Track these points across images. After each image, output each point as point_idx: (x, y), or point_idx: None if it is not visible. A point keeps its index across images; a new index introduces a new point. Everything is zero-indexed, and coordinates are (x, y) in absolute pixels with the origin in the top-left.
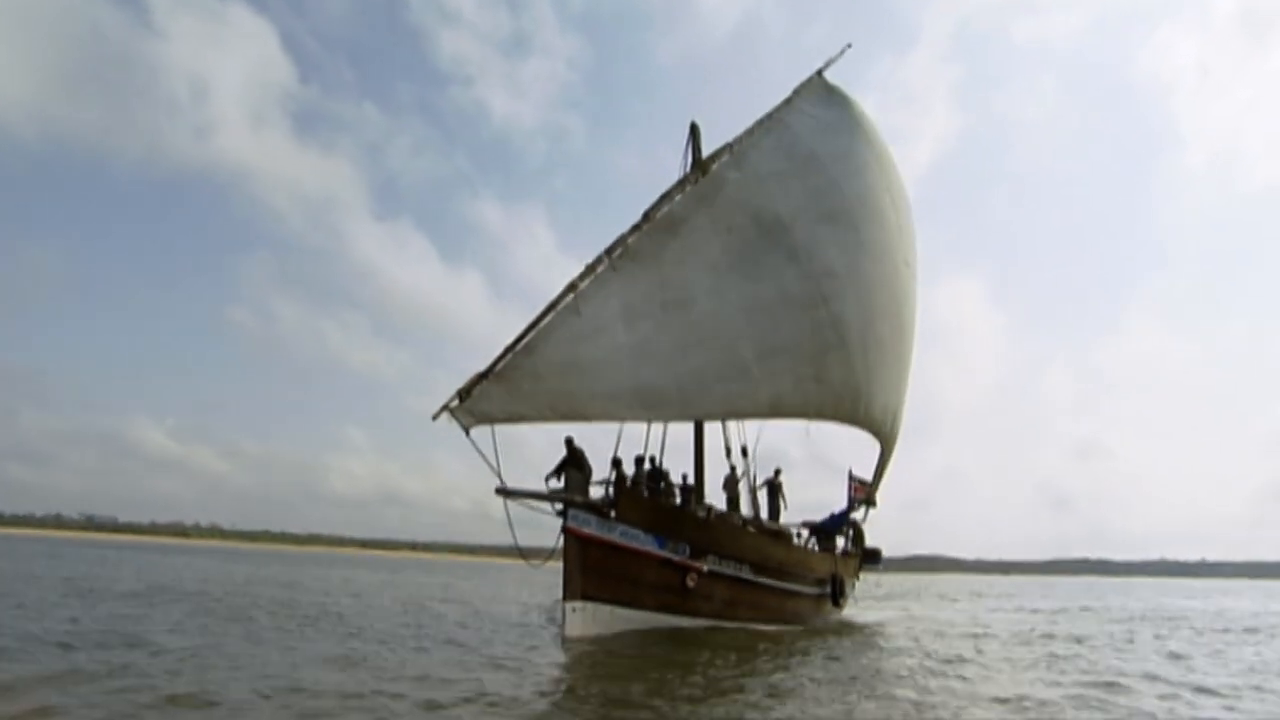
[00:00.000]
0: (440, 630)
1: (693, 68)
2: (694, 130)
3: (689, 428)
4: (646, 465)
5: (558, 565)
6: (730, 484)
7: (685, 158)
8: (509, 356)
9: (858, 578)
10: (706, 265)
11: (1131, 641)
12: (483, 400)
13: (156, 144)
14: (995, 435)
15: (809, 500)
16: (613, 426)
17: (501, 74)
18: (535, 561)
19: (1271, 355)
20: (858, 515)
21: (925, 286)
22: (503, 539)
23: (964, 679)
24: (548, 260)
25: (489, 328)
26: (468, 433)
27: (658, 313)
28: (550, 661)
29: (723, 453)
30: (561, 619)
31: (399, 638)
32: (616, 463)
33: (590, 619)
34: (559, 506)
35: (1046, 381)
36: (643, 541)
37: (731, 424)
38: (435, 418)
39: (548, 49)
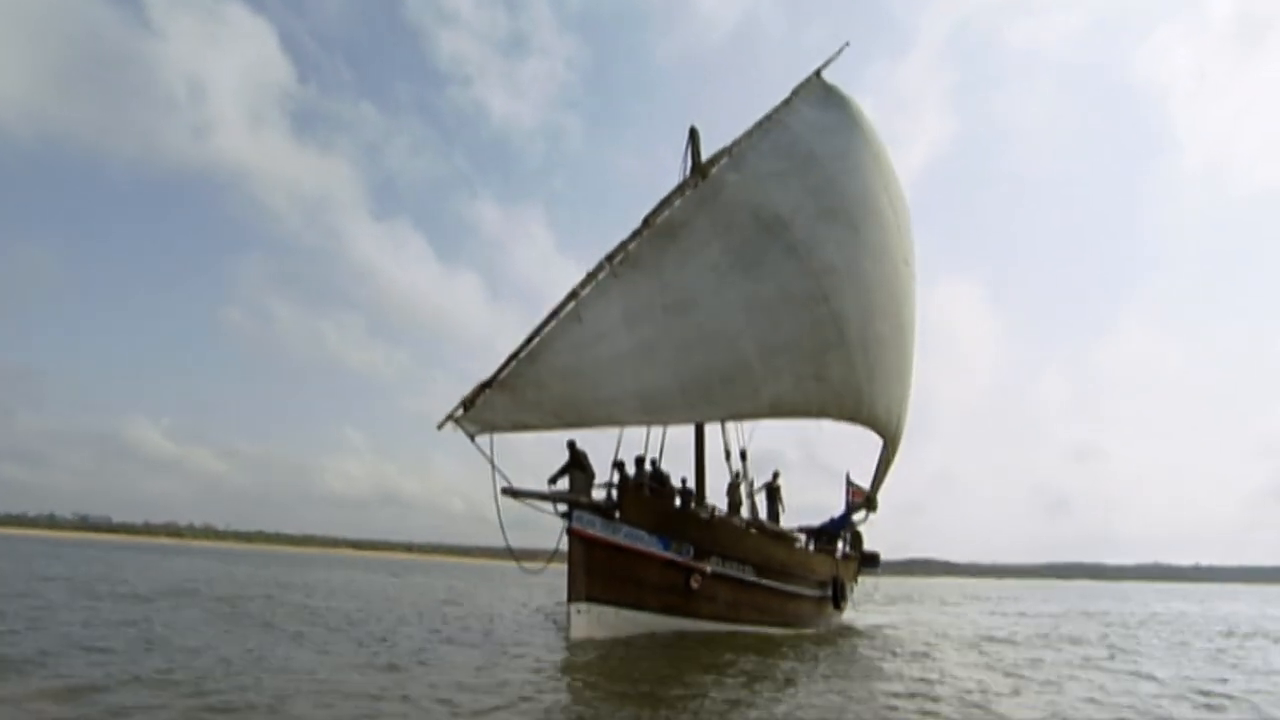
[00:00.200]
0: (458, 633)
1: (691, 68)
2: (693, 135)
3: (688, 431)
4: (647, 467)
5: (555, 568)
6: (734, 488)
7: (684, 162)
8: (512, 365)
9: (856, 581)
10: (707, 265)
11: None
12: (487, 409)
13: (154, 143)
14: (990, 438)
15: (805, 503)
16: (614, 430)
17: (500, 74)
18: (532, 566)
19: (1267, 358)
20: (858, 518)
21: (922, 289)
22: (499, 541)
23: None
24: (546, 261)
25: (486, 328)
26: (473, 439)
27: (659, 316)
28: (562, 662)
29: (721, 456)
30: (567, 621)
31: (426, 641)
32: (619, 465)
33: (595, 621)
34: (563, 508)
35: (1042, 384)
36: (647, 543)
37: (731, 427)
38: (440, 427)
39: (546, 49)
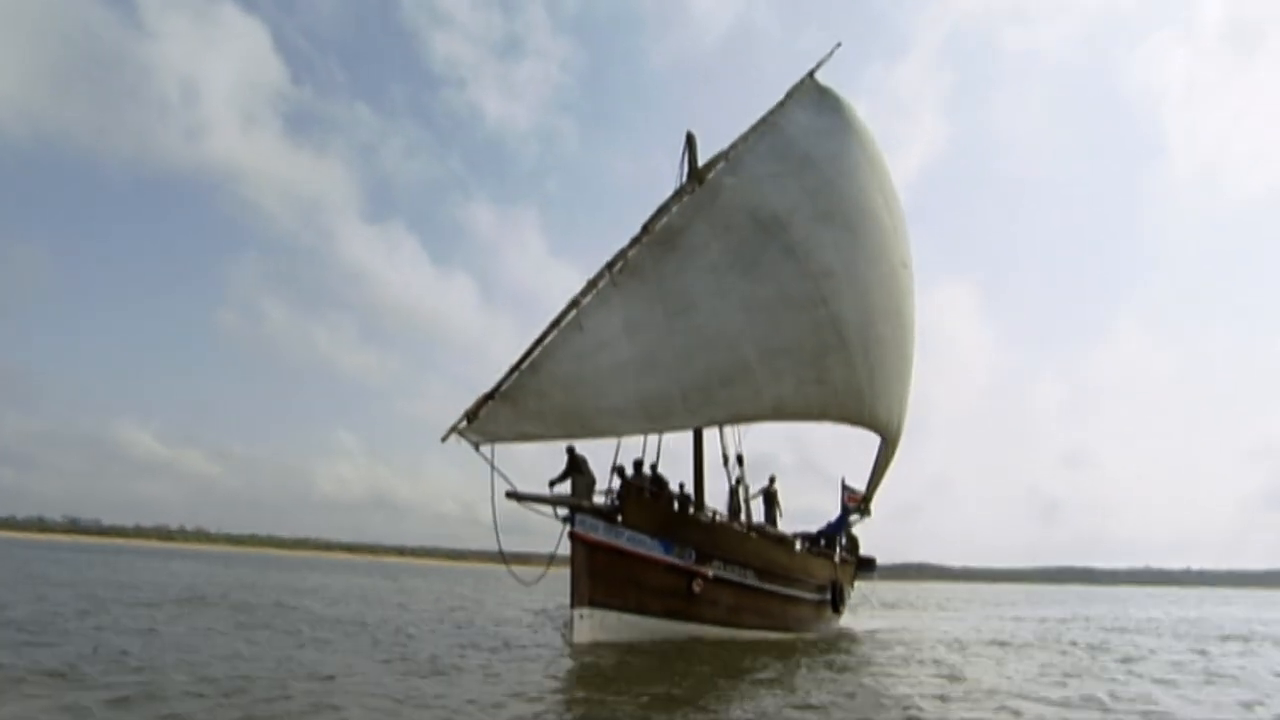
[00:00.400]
0: (474, 637)
1: (686, 71)
2: (690, 140)
3: (686, 436)
4: (646, 471)
5: (553, 573)
6: (734, 492)
7: (681, 168)
8: (514, 376)
9: (852, 586)
10: (706, 267)
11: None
12: (490, 420)
13: (147, 144)
14: (985, 442)
15: (800, 507)
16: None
17: (495, 76)
18: (527, 575)
19: (1260, 363)
20: (852, 521)
21: (918, 292)
22: (490, 544)
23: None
24: (540, 264)
25: (480, 331)
26: (477, 449)
27: (660, 322)
28: (575, 667)
29: (717, 461)
30: (570, 625)
31: (447, 646)
32: (619, 470)
33: (598, 625)
34: (564, 512)
35: (1037, 388)
36: (649, 546)
37: (728, 431)
38: (445, 439)
39: (541, 51)
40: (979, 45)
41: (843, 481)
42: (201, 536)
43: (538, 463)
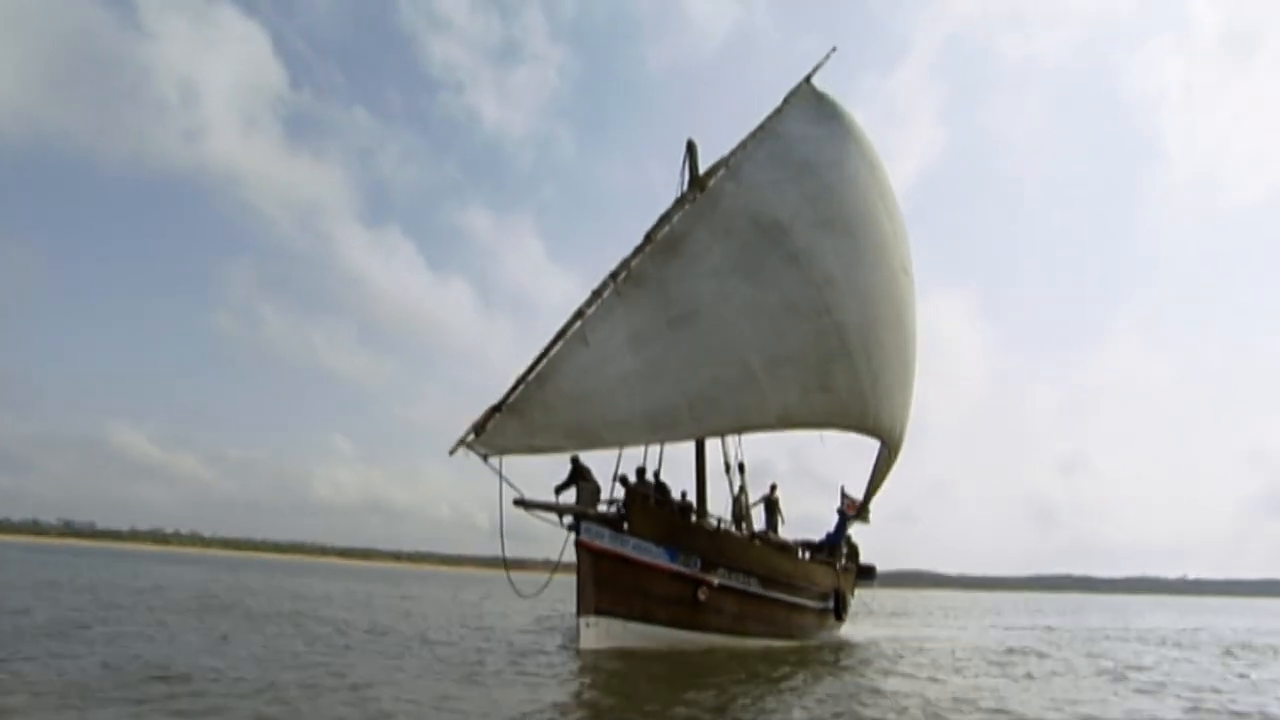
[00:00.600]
0: (492, 643)
1: (684, 77)
2: (690, 148)
3: (688, 443)
4: (650, 479)
5: (558, 577)
6: (738, 500)
7: (682, 176)
8: (521, 388)
9: (853, 594)
10: (708, 272)
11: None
12: (498, 434)
13: (145, 145)
14: (981, 449)
15: (797, 514)
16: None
17: (492, 81)
18: (527, 583)
19: (1255, 369)
20: (851, 529)
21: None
22: (486, 549)
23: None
24: (537, 269)
25: (477, 336)
26: (485, 460)
27: (665, 332)
28: (584, 673)
29: (719, 468)
30: (576, 633)
31: (473, 653)
32: (623, 480)
33: (604, 633)
34: (568, 520)
35: (1033, 395)
36: (655, 555)
37: (730, 439)
38: (452, 452)
39: (538, 57)
40: (976, 51)
41: (842, 489)
42: (196, 540)
43: (540, 469)
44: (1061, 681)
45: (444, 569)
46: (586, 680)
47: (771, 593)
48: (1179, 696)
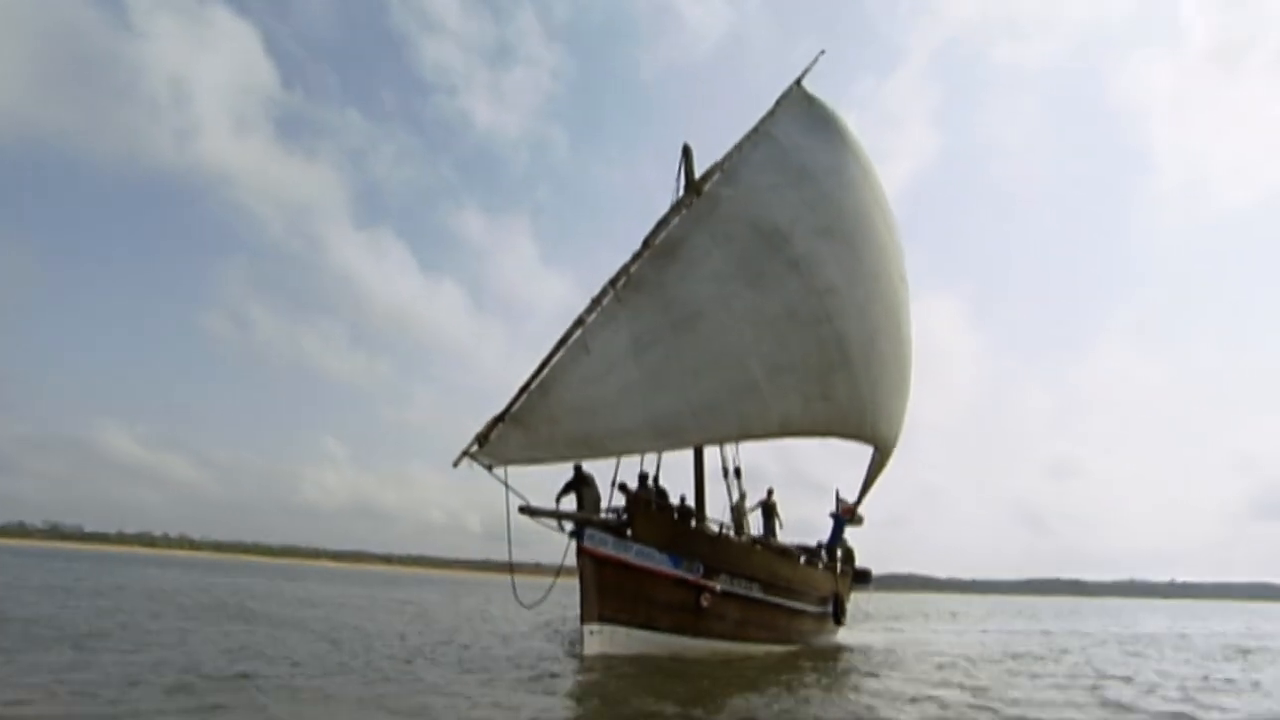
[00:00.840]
0: (501, 651)
1: (678, 81)
2: (686, 152)
3: (686, 448)
4: (651, 485)
5: (545, 582)
6: (738, 505)
7: (678, 180)
8: (524, 397)
9: (848, 597)
10: (709, 275)
11: None
12: (501, 444)
13: (135, 145)
14: (972, 453)
15: (788, 518)
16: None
17: (485, 83)
18: (530, 599)
19: (1243, 374)
20: (847, 532)
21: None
22: (478, 553)
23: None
24: (531, 272)
25: (470, 338)
26: (490, 470)
27: (668, 336)
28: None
29: (719, 473)
30: (580, 640)
31: (488, 658)
32: (622, 486)
33: (607, 640)
34: (570, 526)
35: (1024, 399)
36: (658, 561)
37: (728, 444)
38: (456, 464)
39: (532, 59)
40: (971, 56)
41: (837, 493)
42: (186, 543)
43: (543, 476)
44: (1073, 684)
45: (436, 572)
46: (592, 687)
47: (773, 598)
48: (1190, 699)
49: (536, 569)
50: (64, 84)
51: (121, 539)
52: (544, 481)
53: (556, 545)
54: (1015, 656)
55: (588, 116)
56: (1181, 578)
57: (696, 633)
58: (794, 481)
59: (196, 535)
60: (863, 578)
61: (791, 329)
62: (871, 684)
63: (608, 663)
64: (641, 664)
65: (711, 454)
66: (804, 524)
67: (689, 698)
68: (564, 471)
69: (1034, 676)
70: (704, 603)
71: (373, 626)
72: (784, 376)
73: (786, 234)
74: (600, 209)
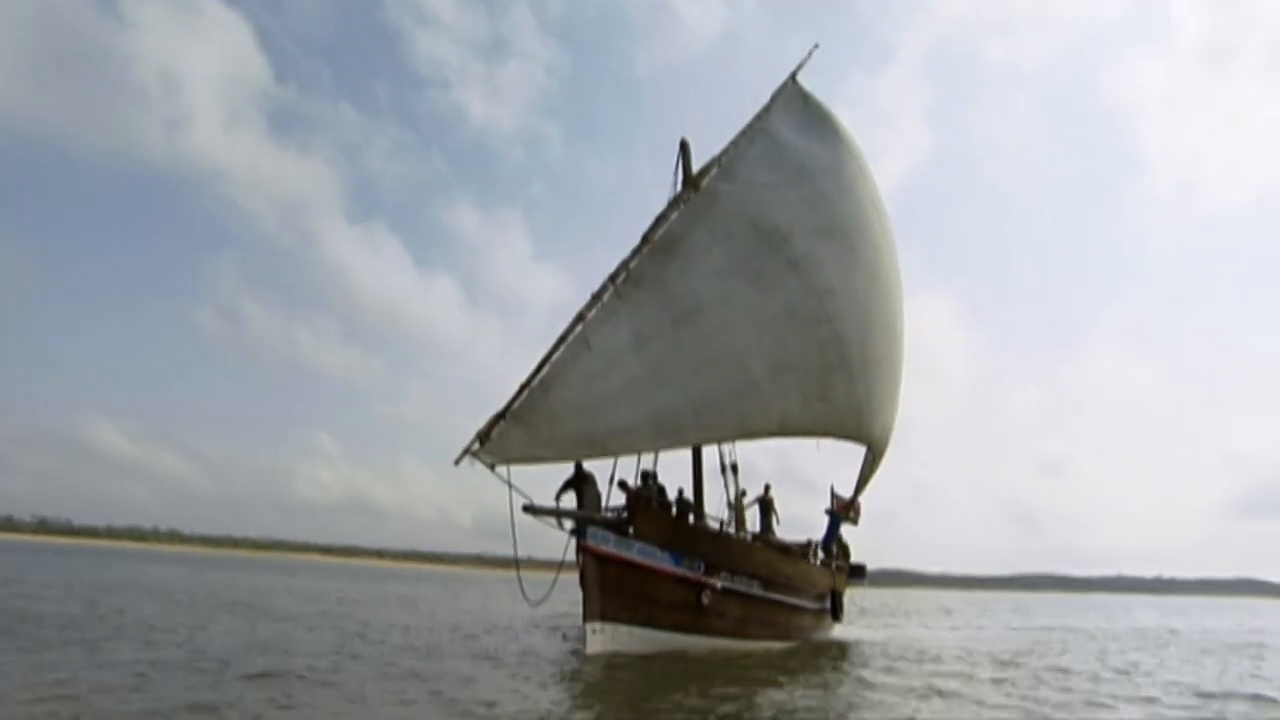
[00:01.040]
0: (502, 647)
1: (673, 77)
2: (684, 147)
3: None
4: (652, 482)
5: (545, 577)
6: (737, 502)
7: (676, 175)
8: (525, 395)
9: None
10: (709, 272)
11: None
12: (503, 442)
13: (125, 138)
14: (963, 450)
15: (783, 515)
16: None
17: (479, 78)
18: (534, 596)
19: (1231, 374)
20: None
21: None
22: (470, 548)
23: None
24: (524, 268)
25: (464, 334)
26: (493, 469)
27: (669, 331)
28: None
29: (716, 469)
30: (582, 639)
31: (492, 656)
32: (623, 484)
33: (609, 639)
34: (570, 524)
35: (1015, 397)
36: (659, 559)
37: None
38: (457, 462)
39: (526, 54)
40: (964, 54)
41: (832, 489)
42: (176, 538)
43: (543, 473)
44: (1080, 681)
45: (428, 567)
46: (597, 685)
47: (772, 595)
48: (1200, 695)
49: (529, 563)
50: (51, 74)
51: (110, 533)
52: (544, 481)
53: (552, 541)
54: (1016, 652)
55: (582, 112)
56: (1167, 574)
57: (697, 630)
58: (786, 478)
59: (186, 530)
60: (857, 573)
61: (791, 329)
62: (876, 679)
63: (611, 660)
64: (645, 661)
65: (709, 450)
66: (797, 521)
67: (696, 693)
68: (563, 468)
69: (1047, 672)
70: (705, 600)
71: (380, 621)
72: (784, 376)
73: (786, 234)
74: (594, 205)
